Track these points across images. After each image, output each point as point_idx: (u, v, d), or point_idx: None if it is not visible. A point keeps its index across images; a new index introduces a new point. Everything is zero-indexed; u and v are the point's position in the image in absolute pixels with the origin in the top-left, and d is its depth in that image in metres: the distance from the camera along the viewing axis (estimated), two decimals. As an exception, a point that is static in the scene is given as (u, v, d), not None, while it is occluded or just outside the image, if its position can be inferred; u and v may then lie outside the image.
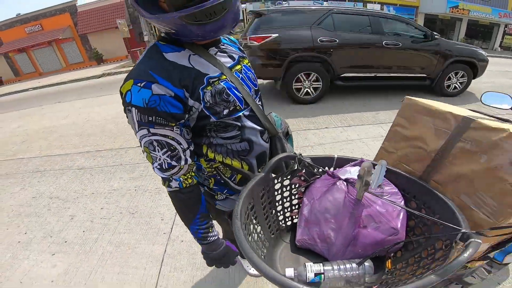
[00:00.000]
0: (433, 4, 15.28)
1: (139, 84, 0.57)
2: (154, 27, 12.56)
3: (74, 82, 10.08)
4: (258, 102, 0.79)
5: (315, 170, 0.70)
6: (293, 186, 0.75)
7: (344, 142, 3.09)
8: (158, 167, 0.65)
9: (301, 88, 3.93)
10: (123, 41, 14.46)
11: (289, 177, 0.71)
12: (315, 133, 3.33)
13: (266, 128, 0.78)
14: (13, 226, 2.20)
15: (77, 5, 15.17)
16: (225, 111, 0.67)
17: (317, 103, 4.17)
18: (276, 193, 0.74)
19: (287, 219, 0.78)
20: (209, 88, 0.64)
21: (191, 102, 0.62)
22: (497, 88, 5.16)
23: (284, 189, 0.74)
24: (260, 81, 5.93)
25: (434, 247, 0.55)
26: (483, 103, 1.10)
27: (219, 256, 0.77)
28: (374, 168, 0.65)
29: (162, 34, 0.67)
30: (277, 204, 0.75)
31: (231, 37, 0.84)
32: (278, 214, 0.76)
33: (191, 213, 0.72)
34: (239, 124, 0.71)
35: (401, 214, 0.63)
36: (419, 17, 16.07)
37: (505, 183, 0.47)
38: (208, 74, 0.64)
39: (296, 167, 0.68)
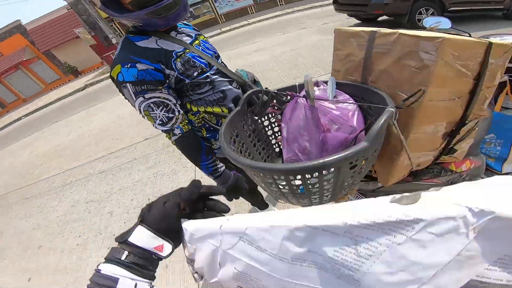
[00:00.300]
0: None
1: (126, 66, 0.74)
2: (118, 27, 12.21)
3: (61, 99, 10.09)
4: (221, 63, 0.97)
5: (283, 98, 0.86)
6: (270, 116, 0.92)
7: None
8: (160, 122, 0.84)
9: (420, 19, 4.96)
10: (91, 48, 13.92)
11: (263, 108, 0.86)
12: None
13: (234, 79, 0.96)
14: (66, 233, 2.53)
15: (23, 24, 14.42)
16: (195, 73, 0.86)
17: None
18: (257, 123, 0.89)
19: (274, 146, 0.98)
20: (178, 60, 0.82)
21: (167, 71, 0.81)
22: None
23: (263, 119, 0.90)
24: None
25: None
26: (424, 26, 1.16)
27: (233, 184, 0.98)
28: (326, 84, 0.82)
29: (130, 28, 0.83)
30: (261, 133, 0.91)
31: (185, 22, 1.01)
32: (265, 141, 0.95)
33: (197, 152, 0.92)
34: (208, 80, 0.90)
35: (355, 114, 0.80)
36: None
37: (409, 67, 0.64)
38: (175, 50, 0.82)
39: (266, 99, 0.85)
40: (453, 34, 0.77)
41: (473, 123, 0.78)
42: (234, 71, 1.02)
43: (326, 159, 0.53)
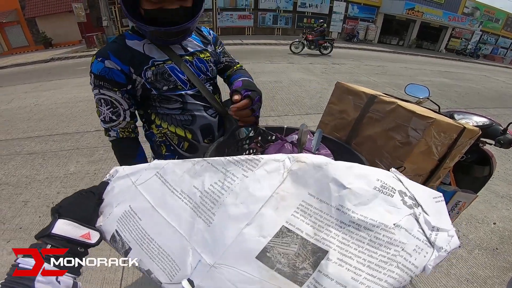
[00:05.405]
0: (392, 5, 16.32)
1: (98, 59, 0.79)
2: (116, 13, 11.68)
3: (18, 66, 8.91)
4: (209, 87, 0.95)
5: (269, 137, 0.84)
6: (251, 151, 0.88)
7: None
8: (103, 119, 0.86)
9: None
10: (78, 25, 13.07)
11: (247, 141, 0.84)
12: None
13: (214, 106, 0.94)
14: (-46, 213, 2.02)
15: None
16: (164, 88, 0.86)
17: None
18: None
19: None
20: (152, 68, 0.83)
21: (134, 76, 0.83)
22: (436, 87, 5.93)
23: (244, 153, 0.86)
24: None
25: None
26: (406, 93, 1.29)
27: None
28: (313, 135, 0.82)
29: (135, 27, 0.85)
30: None
31: (204, 28, 1.00)
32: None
33: (126, 162, 0.88)
34: (181, 99, 0.88)
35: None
36: (379, 17, 17.02)
37: (395, 140, 0.67)
38: (154, 58, 0.84)
39: (252, 134, 0.82)
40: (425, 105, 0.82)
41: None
42: (222, 99, 1.00)
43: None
